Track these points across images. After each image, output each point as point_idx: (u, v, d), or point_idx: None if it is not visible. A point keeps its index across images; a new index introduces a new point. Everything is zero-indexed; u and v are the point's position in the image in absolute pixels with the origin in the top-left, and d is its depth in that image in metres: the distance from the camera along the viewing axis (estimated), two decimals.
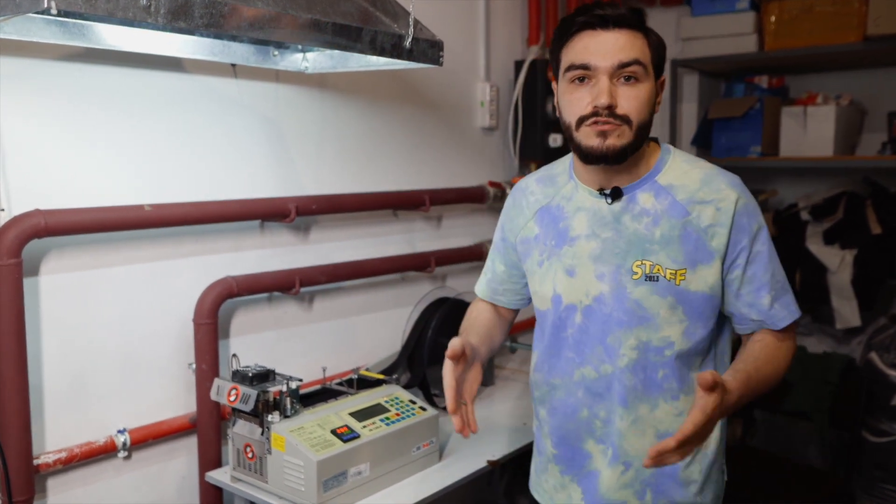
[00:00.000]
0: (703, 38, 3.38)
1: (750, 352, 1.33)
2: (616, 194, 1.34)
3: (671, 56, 3.52)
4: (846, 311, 2.93)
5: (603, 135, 1.26)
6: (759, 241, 1.31)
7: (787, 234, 3.20)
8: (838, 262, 2.96)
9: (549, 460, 1.49)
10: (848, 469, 2.68)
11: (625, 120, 1.25)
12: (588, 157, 1.30)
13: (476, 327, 1.56)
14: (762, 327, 1.35)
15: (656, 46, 1.30)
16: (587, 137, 1.28)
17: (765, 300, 1.32)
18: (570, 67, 1.28)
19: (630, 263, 1.32)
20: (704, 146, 3.61)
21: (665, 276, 1.30)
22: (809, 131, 3.18)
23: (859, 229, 3.00)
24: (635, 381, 1.34)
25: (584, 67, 1.26)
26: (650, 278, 1.31)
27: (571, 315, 1.39)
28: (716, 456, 1.41)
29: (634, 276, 1.32)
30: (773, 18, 3.19)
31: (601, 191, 1.36)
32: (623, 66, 1.24)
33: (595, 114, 1.25)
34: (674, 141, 3.52)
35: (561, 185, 1.44)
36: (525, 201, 1.49)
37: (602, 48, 1.24)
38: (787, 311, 1.34)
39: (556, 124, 2.85)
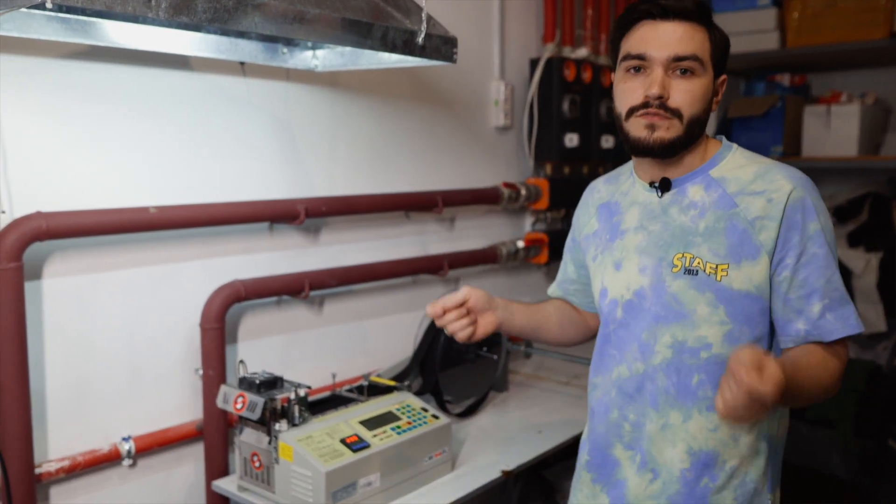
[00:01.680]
0: None
1: (793, 354, 1.22)
2: (665, 186, 1.31)
3: None
4: (871, 315, 2.85)
5: (651, 127, 1.23)
6: (815, 242, 1.20)
7: None
8: (863, 266, 2.88)
9: (583, 468, 1.44)
10: (873, 479, 2.59)
11: (675, 113, 1.22)
12: (635, 148, 1.28)
13: (527, 302, 1.55)
14: (808, 340, 1.22)
15: (718, 42, 1.26)
16: (636, 128, 1.25)
17: (815, 308, 1.20)
18: (627, 57, 1.26)
19: (672, 256, 1.27)
20: None
21: (705, 270, 1.24)
22: (833, 131, 3.10)
23: (885, 231, 2.92)
24: (668, 384, 1.28)
25: (640, 58, 1.24)
26: (689, 272, 1.25)
27: (614, 310, 1.35)
28: (758, 486, 1.29)
29: (674, 269, 1.27)
30: (795, 15, 3.11)
31: (651, 183, 1.33)
32: (679, 59, 1.21)
33: (646, 104, 1.23)
34: None
35: (623, 181, 1.43)
36: (591, 199, 1.49)
37: (660, 39, 1.22)
38: (841, 324, 1.20)
39: (572, 124, 2.79)
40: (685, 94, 1.21)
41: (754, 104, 3.33)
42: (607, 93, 2.96)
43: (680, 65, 1.21)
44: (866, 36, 2.93)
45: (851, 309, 1.23)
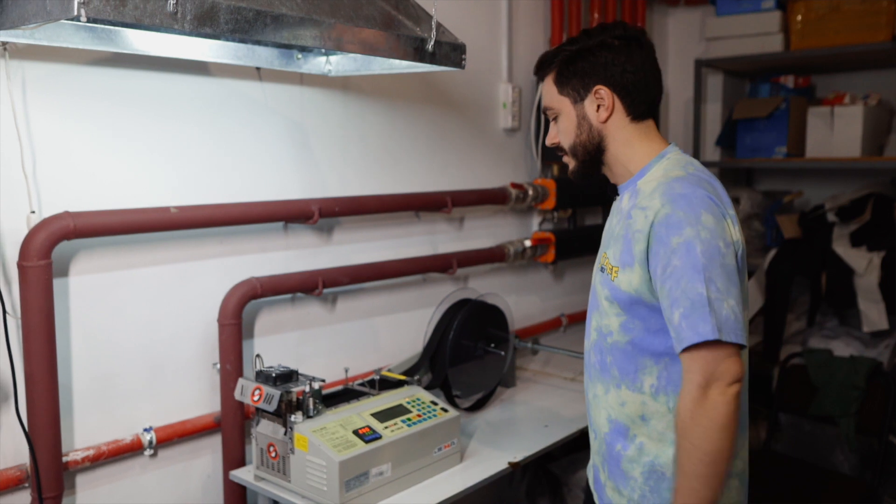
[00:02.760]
0: (728, 37, 3.36)
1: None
2: (613, 192, 1.50)
3: (695, 55, 3.50)
4: (873, 314, 2.89)
5: (566, 164, 1.50)
6: (676, 254, 1.23)
7: (813, 235, 3.17)
8: (865, 265, 2.92)
9: None
10: (875, 475, 2.64)
11: (563, 150, 1.47)
12: None
13: None
14: (677, 348, 1.24)
15: (565, 75, 1.42)
16: None
17: (675, 316, 1.24)
18: None
19: (601, 254, 1.45)
20: (729, 147, 3.58)
21: (607, 270, 1.40)
22: (836, 132, 3.14)
23: (887, 231, 2.96)
24: (595, 361, 1.46)
25: None
26: (602, 269, 1.42)
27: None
28: (666, 472, 1.35)
29: (599, 265, 1.45)
30: (799, 17, 3.15)
31: (608, 191, 1.54)
32: (545, 112, 1.49)
33: None
34: (697, 141, 3.50)
35: None
36: None
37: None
38: (691, 332, 1.20)
39: None
40: (560, 132, 1.46)
41: (759, 105, 3.37)
42: None
43: (548, 114, 1.48)
44: (869, 39, 2.97)
45: (705, 316, 1.20)
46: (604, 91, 1.38)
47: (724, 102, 3.61)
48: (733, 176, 3.74)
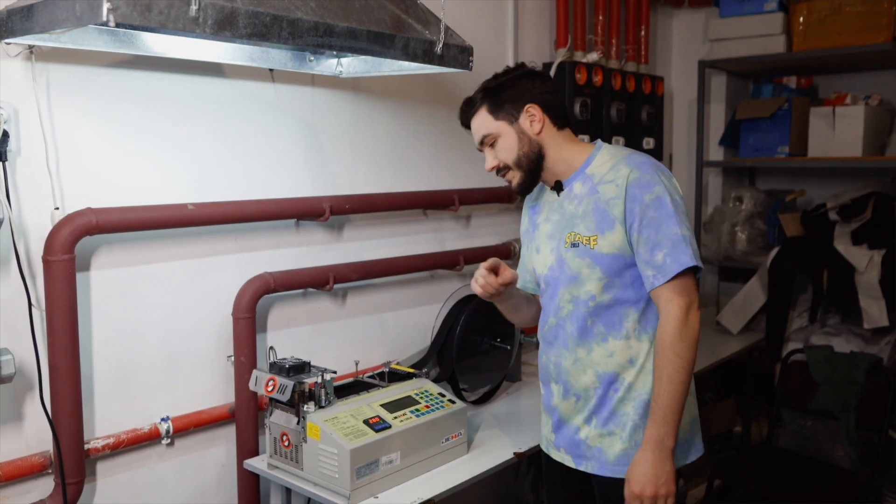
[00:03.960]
0: (732, 39, 3.40)
1: (654, 393, 1.57)
2: (558, 187, 1.71)
3: (699, 56, 3.55)
4: (874, 310, 2.93)
5: (508, 182, 1.72)
6: (651, 207, 1.55)
7: (815, 234, 3.21)
8: (866, 263, 2.96)
9: (541, 403, 1.82)
10: (875, 469, 2.68)
11: (506, 167, 1.69)
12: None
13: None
14: (655, 284, 1.55)
15: (495, 104, 1.66)
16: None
17: (658, 256, 1.54)
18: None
19: (565, 235, 1.67)
20: (732, 146, 3.63)
21: (583, 242, 1.63)
22: (838, 132, 3.18)
23: (888, 229, 3.00)
24: (573, 329, 1.67)
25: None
26: (574, 245, 1.65)
27: (541, 284, 1.76)
28: (649, 398, 1.60)
29: (565, 245, 1.67)
30: (801, 19, 3.19)
31: (552, 187, 1.73)
32: (481, 143, 1.70)
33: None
34: (701, 141, 3.54)
35: (543, 188, 1.79)
36: (526, 204, 1.87)
37: (473, 137, 1.73)
38: (675, 264, 1.53)
39: (583, 125, 2.90)
40: (500, 153, 1.68)
41: (762, 106, 3.42)
42: (618, 96, 3.07)
43: (484, 144, 1.70)
44: (871, 40, 3.01)
45: (685, 250, 1.53)
46: (534, 108, 1.65)
47: (728, 103, 3.66)
48: (737, 175, 3.79)
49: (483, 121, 1.68)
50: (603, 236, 1.60)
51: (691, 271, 1.55)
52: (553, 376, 1.74)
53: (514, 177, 1.69)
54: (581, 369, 1.67)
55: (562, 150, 1.68)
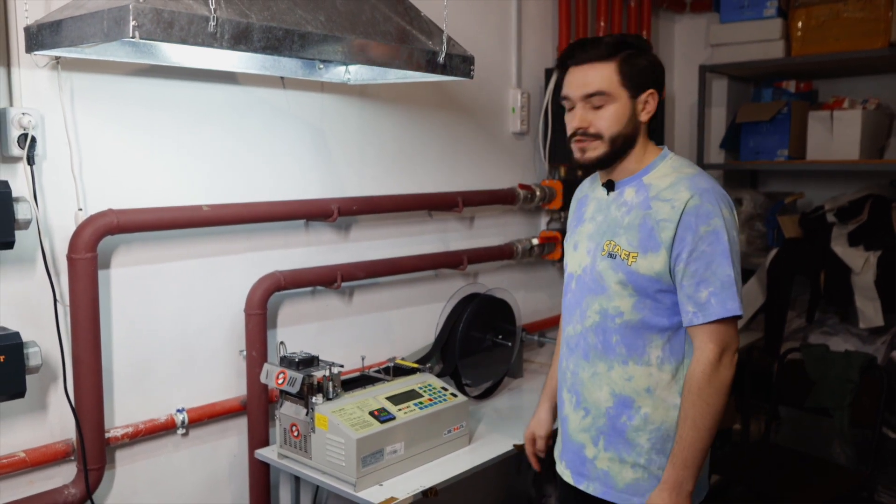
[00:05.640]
0: (732, 44, 3.47)
1: (677, 434, 1.50)
2: (609, 186, 1.61)
3: (700, 61, 3.62)
4: (869, 311, 2.99)
5: (582, 150, 1.57)
6: (705, 241, 1.46)
7: (813, 235, 3.27)
8: (862, 263, 3.02)
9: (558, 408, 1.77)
10: (870, 465, 2.73)
11: (596, 136, 1.54)
12: (574, 164, 1.71)
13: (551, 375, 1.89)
14: (694, 322, 1.47)
15: (632, 68, 1.52)
16: (574, 151, 1.60)
17: (702, 294, 1.46)
18: (561, 98, 1.61)
19: (603, 242, 1.58)
20: (732, 149, 3.69)
21: (621, 256, 1.54)
22: (836, 135, 3.23)
23: (884, 231, 3.05)
24: (596, 341, 1.59)
25: (566, 98, 1.58)
26: (611, 255, 1.56)
27: (570, 282, 1.68)
28: (671, 434, 1.54)
29: (602, 253, 1.57)
30: (800, 24, 3.25)
31: (603, 184, 1.64)
32: (588, 96, 1.53)
33: (574, 134, 1.57)
34: (701, 144, 3.61)
35: (595, 182, 1.71)
36: (576, 195, 1.80)
37: (574, 82, 1.55)
38: (720, 307, 1.45)
39: None
40: (602, 120, 1.52)
41: (762, 110, 3.48)
42: None
43: (591, 100, 1.52)
44: (868, 45, 3.07)
45: (733, 295, 1.45)
46: (655, 95, 1.55)
47: (728, 106, 3.72)
48: (737, 178, 3.85)
49: (606, 75, 1.51)
50: (644, 256, 1.50)
51: (734, 317, 1.47)
52: (568, 384, 1.66)
53: (596, 149, 1.54)
54: (598, 385, 1.59)
55: (641, 147, 1.57)
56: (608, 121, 1.53)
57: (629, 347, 1.55)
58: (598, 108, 1.52)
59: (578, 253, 1.65)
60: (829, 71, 3.47)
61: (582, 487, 1.63)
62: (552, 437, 1.81)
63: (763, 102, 3.57)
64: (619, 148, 1.55)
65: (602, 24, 3.17)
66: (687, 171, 1.55)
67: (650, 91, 1.54)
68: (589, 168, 1.61)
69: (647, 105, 1.55)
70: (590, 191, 1.71)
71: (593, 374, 1.60)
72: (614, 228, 1.56)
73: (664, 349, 1.53)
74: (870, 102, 3.26)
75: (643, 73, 1.53)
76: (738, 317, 1.47)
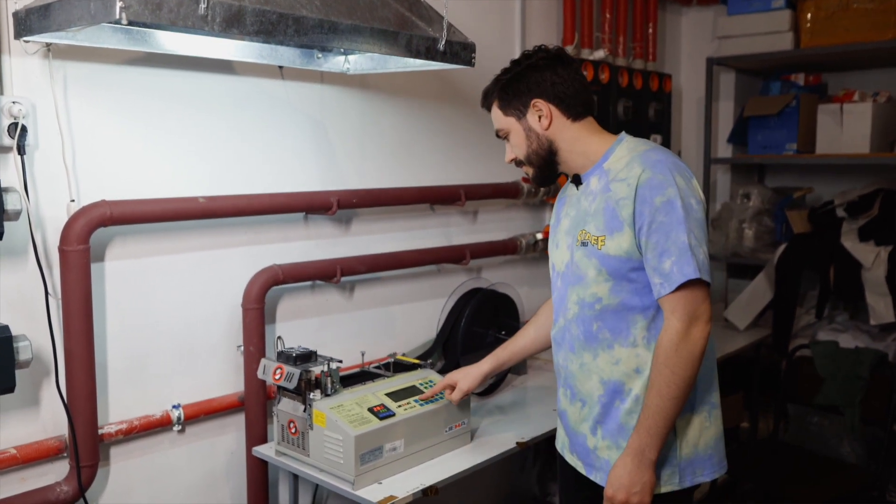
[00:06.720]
0: (740, 36, 3.42)
1: (643, 405, 1.52)
2: (576, 181, 1.66)
3: (707, 54, 3.57)
4: (880, 307, 2.94)
5: (525, 174, 1.72)
6: (661, 212, 1.47)
7: (822, 230, 3.22)
8: (873, 259, 2.97)
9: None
10: (880, 463, 2.69)
11: (521, 162, 1.67)
12: None
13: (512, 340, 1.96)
14: (662, 293, 1.48)
15: (506, 97, 1.62)
16: None
17: (666, 264, 1.47)
18: None
19: (577, 233, 1.62)
20: (740, 143, 3.64)
21: (591, 242, 1.57)
22: (846, 128, 3.19)
23: (895, 226, 3.01)
24: (578, 332, 1.62)
25: None
26: (583, 244, 1.59)
27: (556, 280, 1.71)
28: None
29: (577, 243, 1.61)
30: (809, 16, 3.21)
31: (571, 180, 1.70)
32: (499, 135, 1.69)
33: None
34: (709, 138, 3.56)
35: (569, 181, 1.75)
36: (559, 195, 1.82)
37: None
38: (680, 274, 1.45)
39: None
40: (513, 149, 1.67)
41: (769, 103, 3.43)
42: (624, 93, 3.10)
43: (500, 137, 1.69)
44: (878, 37, 3.02)
45: (688, 260, 1.44)
46: (540, 103, 1.59)
47: (736, 100, 3.67)
48: (745, 172, 3.80)
49: (497, 115, 1.66)
50: (611, 237, 1.53)
51: (702, 283, 1.46)
52: (562, 379, 1.70)
53: (529, 170, 1.67)
54: (586, 375, 1.61)
55: (578, 142, 1.61)
56: (517, 148, 1.65)
57: (613, 331, 1.57)
58: (508, 140, 1.66)
59: (560, 250, 1.69)
60: (839, 63, 3.42)
61: (591, 477, 1.65)
62: (468, 394, 1.91)
63: (771, 96, 3.53)
64: (544, 161, 1.63)
65: (608, 15, 3.12)
66: (640, 148, 1.57)
67: (532, 102, 1.59)
68: (541, 185, 1.75)
69: (541, 113, 1.60)
70: (566, 191, 1.75)
71: (581, 365, 1.63)
72: (584, 218, 1.60)
73: (649, 329, 1.54)
74: (880, 95, 3.21)
75: (518, 93, 1.61)
76: (707, 285, 1.48)
